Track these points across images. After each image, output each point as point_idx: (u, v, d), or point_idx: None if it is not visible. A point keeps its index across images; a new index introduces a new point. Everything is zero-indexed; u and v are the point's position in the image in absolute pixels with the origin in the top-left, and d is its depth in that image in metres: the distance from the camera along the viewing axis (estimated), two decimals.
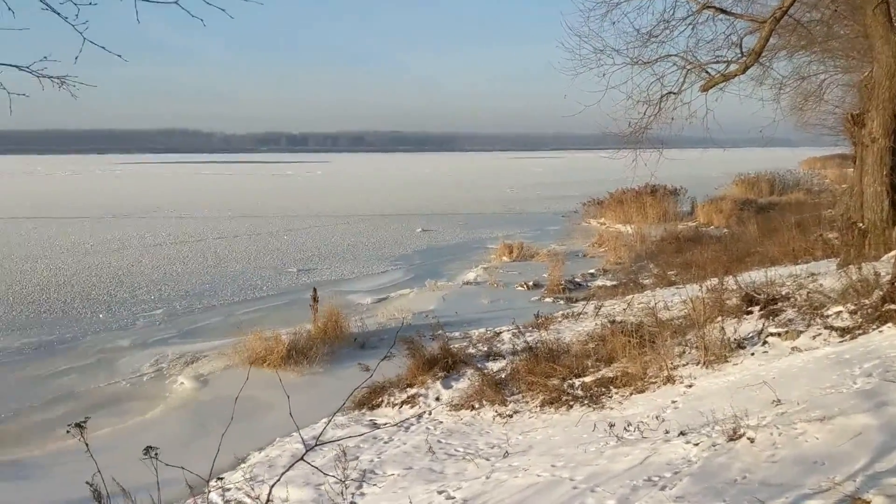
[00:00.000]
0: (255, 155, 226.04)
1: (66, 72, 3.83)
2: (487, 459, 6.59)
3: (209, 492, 6.46)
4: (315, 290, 13.04)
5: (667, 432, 5.72)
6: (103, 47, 3.74)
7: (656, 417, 6.21)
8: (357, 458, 6.97)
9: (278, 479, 3.40)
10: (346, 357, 11.33)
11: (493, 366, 9.69)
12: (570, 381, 8.20)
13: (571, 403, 7.68)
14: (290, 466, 3.30)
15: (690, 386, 7.16)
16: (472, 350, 10.75)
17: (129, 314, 14.75)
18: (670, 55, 12.08)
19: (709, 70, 11.89)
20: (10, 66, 3.61)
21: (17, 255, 22.31)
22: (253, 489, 5.95)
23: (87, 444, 3.01)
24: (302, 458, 2.88)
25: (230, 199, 46.79)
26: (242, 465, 7.40)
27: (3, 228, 29.85)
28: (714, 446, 5.03)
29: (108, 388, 10.37)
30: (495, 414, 7.98)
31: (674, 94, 12.14)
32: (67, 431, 3.27)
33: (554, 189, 55.65)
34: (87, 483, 3.12)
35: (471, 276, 18.49)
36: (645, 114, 12.28)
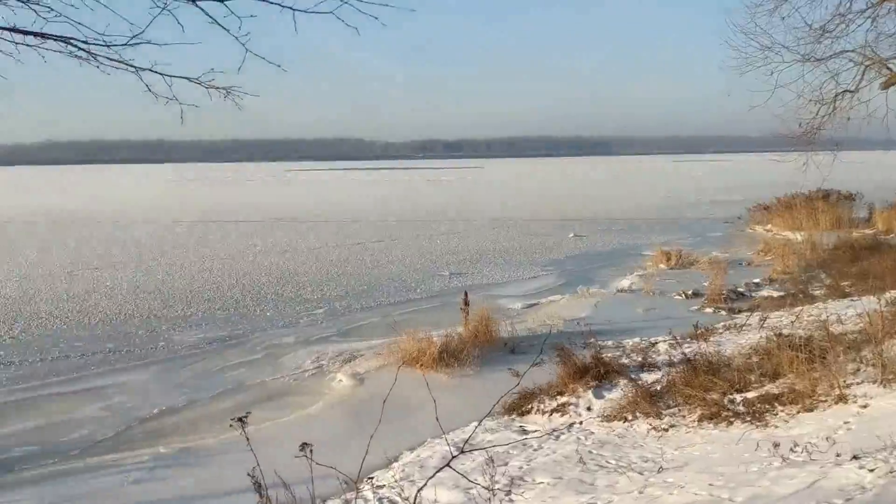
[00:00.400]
0: (412, 162, 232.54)
1: (231, 82, 4.07)
2: (641, 474, 6.38)
3: (362, 490, 6.67)
4: (466, 293, 13.17)
5: (838, 455, 5.31)
6: (263, 58, 3.96)
7: (826, 439, 5.78)
8: (506, 463, 6.96)
9: (425, 484, 3.45)
10: (496, 361, 11.33)
11: (648, 377, 9.38)
12: (730, 396, 7.79)
13: (732, 419, 7.29)
14: (438, 471, 3.34)
15: (865, 406, 6.61)
16: (625, 360, 10.47)
17: (293, 312, 15.56)
18: (846, 51, 11.27)
19: (890, 66, 10.96)
20: (182, 77, 3.88)
21: (197, 256, 24.15)
22: (403, 490, 6.09)
23: (247, 438, 3.18)
24: (448, 465, 2.90)
25: (388, 205, 48.35)
26: (395, 464, 7.58)
27: (187, 231, 32.40)
28: (892, 472, 4.61)
29: (274, 383, 10.97)
30: (649, 427, 7.72)
31: (850, 92, 11.31)
32: (230, 425, 3.47)
33: (716, 194, 53.31)
34: (249, 475, 3.30)
35: (625, 283, 18.03)
36: (817, 114, 11.52)
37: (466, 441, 4.34)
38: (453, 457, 2.96)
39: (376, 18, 3.81)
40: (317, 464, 3.09)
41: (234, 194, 64.36)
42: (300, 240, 28.56)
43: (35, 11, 3.39)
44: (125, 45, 3.67)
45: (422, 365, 10.80)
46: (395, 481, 6.60)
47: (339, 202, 51.53)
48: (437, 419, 3.53)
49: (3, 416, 9.66)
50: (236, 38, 3.73)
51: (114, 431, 9.08)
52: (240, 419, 3.35)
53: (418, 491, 3.42)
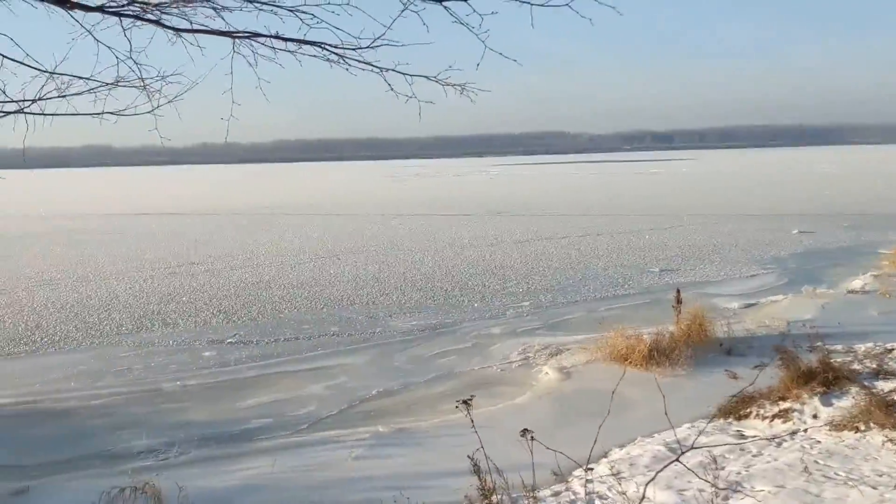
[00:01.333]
0: (619, 154, 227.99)
1: (465, 80, 4.23)
2: (875, 488, 5.86)
3: (570, 483, 6.69)
4: (678, 290, 12.73)
5: None
6: (500, 53, 4.07)
7: None
8: (722, 468, 6.67)
9: (653, 479, 3.41)
10: (711, 362, 10.88)
11: (884, 385, 8.56)
12: None
13: None
14: (667, 465, 3.28)
15: None
16: (856, 366, 9.61)
17: (500, 304, 15.86)
18: None
19: None
20: (421, 76, 4.10)
21: (409, 247, 25.31)
22: (620, 483, 6.03)
23: (472, 421, 3.31)
24: (677, 460, 2.85)
25: (594, 198, 47.78)
26: (603, 460, 7.52)
27: (400, 224, 34.03)
28: None
29: (482, 372, 11.26)
30: (885, 439, 7.05)
31: None
32: (456, 407, 3.62)
33: None
34: (469, 457, 3.43)
35: (857, 283, 16.52)
36: None
37: (692, 444, 4.21)
38: (682, 452, 2.90)
39: (614, 8, 3.81)
40: (546, 448, 3.15)
41: (444, 189, 66.56)
42: (506, 233, 29.00)
43: (300, 20, 3.76)
44: (368, 47, 3.96)
45: (630, 362, 10.61)
46: (606, 476, 6.55)
47: (544, 196, 51.66)
48: (666, 413, 3.46)
49: (243, 390, 10.72)
50: (477, 35, 3.88)
51: (337, 409, 9.77)
52: (465, 402, 3.50)
53: (645, 486, 3.38)
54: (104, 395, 10.62)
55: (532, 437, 3.29)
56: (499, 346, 12.58)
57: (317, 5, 3.66)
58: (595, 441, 3.70)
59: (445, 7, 3.80)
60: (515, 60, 4.41)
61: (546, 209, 39.90)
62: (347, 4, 3.69)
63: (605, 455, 7.71)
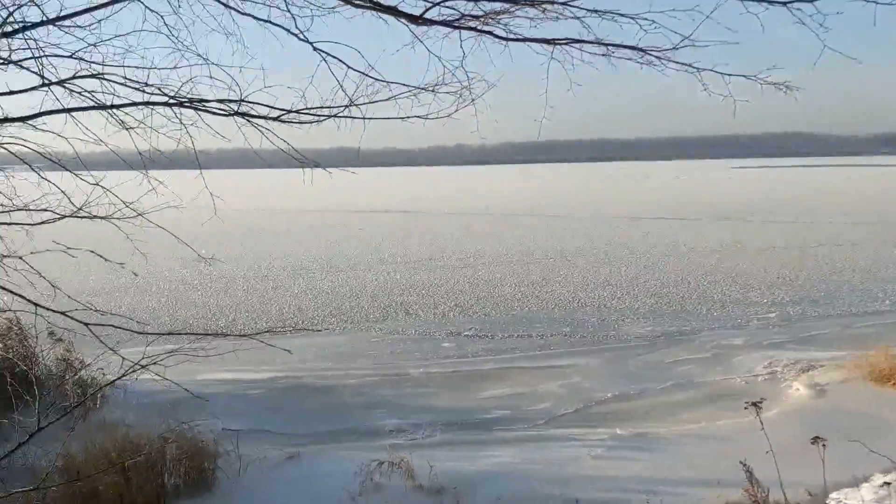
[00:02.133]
0: (874, 157, 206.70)
1: (791, 77, 4.16)
2: None
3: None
4: None
5: None
6: (840, 52, 3.98)
7: None
8: None
9: None
10: None
11: None
12: None
13: None
14: None
15: None
16: None
17: (742, 314, 15.10)
18: None
19: None
20: (739, 75, 4.10)
21: (642, 251, 24.78)
22: None
23: (761, 423, 3.27)
24: None
25: (849, 204, 43.70)
26: (864, 485, 6.96)
27: (631, 227, 33.39)
28: None
29: (723, 383, 10.83)
30: None
31: None
32: (745, 407, 3.59)
33: None
34: (741, 462, 3.39)
35: None
36: None
37: None
38: None
39: None
40: (870, 450, 3.05)
41: (682, 191, 64.20)
42: (747, 239, 27.44)
43: (639, 25, 3.96)
44: (673, 48, 4.05)
45: (895, 384, 9.70)
46: (870, 501, 6.08)
47: (788, 201, 48.08)
48: None
49: (481, 381, 11.20)
50: (816, 34, 3.82)
51: (573, 408, 9.91)
52: (754, 404, 3.46)
53: None
54: (357, 375, 11.60)
55: (823, 444, 3.18)
56: (742, 357, 12.03)
57: (660, 11, 3.81)
58: None
59: (789, 8, 3.77)
60: (855, 59, 4.26)
61: (793, 215, 37.16)
62: (692, 10, 3.79)
63: (867, 480, 7.13)
